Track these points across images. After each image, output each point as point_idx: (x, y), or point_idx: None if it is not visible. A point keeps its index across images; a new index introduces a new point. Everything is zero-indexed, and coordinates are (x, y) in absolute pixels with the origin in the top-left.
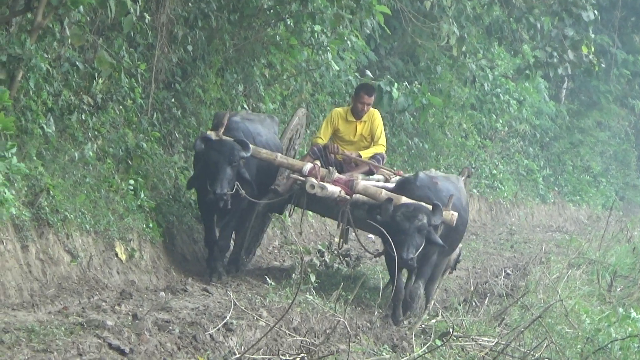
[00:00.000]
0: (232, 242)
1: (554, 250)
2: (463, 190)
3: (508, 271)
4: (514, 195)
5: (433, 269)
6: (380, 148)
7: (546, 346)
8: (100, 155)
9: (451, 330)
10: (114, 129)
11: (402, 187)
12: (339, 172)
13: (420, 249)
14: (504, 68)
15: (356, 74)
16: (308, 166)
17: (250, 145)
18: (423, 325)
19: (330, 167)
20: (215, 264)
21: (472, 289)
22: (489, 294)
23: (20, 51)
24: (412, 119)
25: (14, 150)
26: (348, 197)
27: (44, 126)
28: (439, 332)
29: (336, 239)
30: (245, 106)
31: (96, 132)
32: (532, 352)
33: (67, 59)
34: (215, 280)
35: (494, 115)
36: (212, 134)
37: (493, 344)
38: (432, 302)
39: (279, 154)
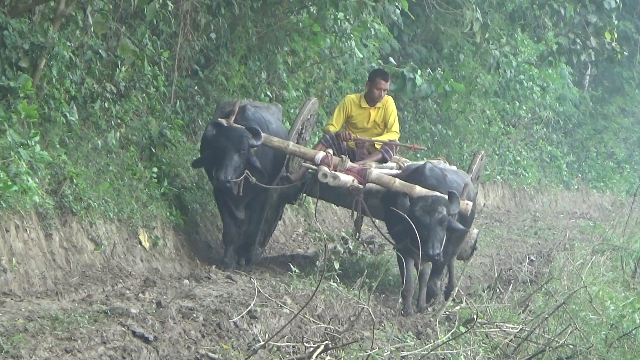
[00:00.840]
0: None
1: (578, 236)
2: (471, 185)
3: (532, 258)
4: (537, 181)
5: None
6: (393, 135)
7: (570, 332)
8: (123, 143)
9: (475, 317)
10: (137, 117)
11: (413, 177)
12: (352, 160)
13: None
14: (527, 55)
15: (379, 61)
16: (320, 155)
17: (263, 134)
18: (447, 312)
19: (343, 156)
20: (226, 254)
21: (496, 275)
22: (513, 281)
23: (43, 39)
24: (435, 105)
25: (37, 138)
26: (361, 186)
27: (67, 114)
28: (463, 319)
29: (357, 227)
30: (269, 93)
31: (119, 120)
32: (556, 339)
33: (90, 47)
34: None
35: (517, 102)
36: (224, 121)
37: (517, 330)
38: (441, 295)
39: (291, 142)
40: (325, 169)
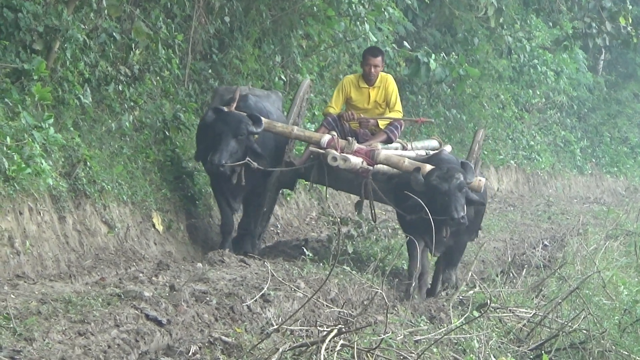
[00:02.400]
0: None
1: (591, 221)
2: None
3: (545, 242)
4: (551, 166)
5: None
6: (396, 114)
7: (584, 317)
8: (137, 126)
9: (489, 302)
10: (151, 100)
11: (430, 161)
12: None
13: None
14: (542, 39)
15: (394, 45)
16: (326, 138)
17: (264, 120)
18: (461, 297)
19: (350, 138)
20: (223, 245)
21: (509, 260)
22: (526, 266)
23: (57, 22)
24: (449, 90)
25: (51, 121)
26: (370, 167)
27: (81, 97)
28: (477, 304)
29: (371, 210)
30: (283, 77)
31: (133, 103)
32: (569, 324)
33: (104, 29)
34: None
35: (531, 87)
36: (225, 108)
37: (531, 315)
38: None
39: (295, 127)
40: (334, 152)
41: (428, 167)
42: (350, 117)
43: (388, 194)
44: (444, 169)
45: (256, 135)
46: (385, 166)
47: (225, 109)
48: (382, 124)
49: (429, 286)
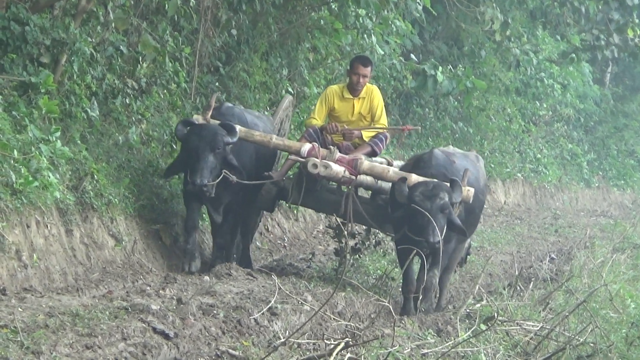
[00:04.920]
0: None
1: (598, 234)
2: (482, 170)
3: (552, 255)
4: (558, 179)
5: (449, 258)
6: (380, 126)
7: (591, 331)
8: (144, 139)
9: (496, 315)
10: (158, 113)
11: (416, 166)
12: None
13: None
14: (548, 52)
15: (401, 57)
16: (307, 147)
17: (240, 128)
18: (468, 310)
19: (331, 147)
20: (214, 262)
21: (516, 273)
22: (533, 279)
23: (65, 35)
24: (456, 103)
25: (58, 134)
26: (353, 177)
27: (88, 110)
28: (484, 317)
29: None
30: (290, 90)
31: (140, 116)
32: (576, 337)
33: (111, 42)
34: (191, 269)
35: (537, 100)
36: (198, 118)
37: (538, 328)
38: (446, 293)
39: (274, 136)
40: (315, 159)
41: (414, 178)
42: (333, 129)
43: (371, 215)
44: (429, 186)
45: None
46: (368, 178)
47: (200, 119)
48: (366, 136)
49: (434, 304)
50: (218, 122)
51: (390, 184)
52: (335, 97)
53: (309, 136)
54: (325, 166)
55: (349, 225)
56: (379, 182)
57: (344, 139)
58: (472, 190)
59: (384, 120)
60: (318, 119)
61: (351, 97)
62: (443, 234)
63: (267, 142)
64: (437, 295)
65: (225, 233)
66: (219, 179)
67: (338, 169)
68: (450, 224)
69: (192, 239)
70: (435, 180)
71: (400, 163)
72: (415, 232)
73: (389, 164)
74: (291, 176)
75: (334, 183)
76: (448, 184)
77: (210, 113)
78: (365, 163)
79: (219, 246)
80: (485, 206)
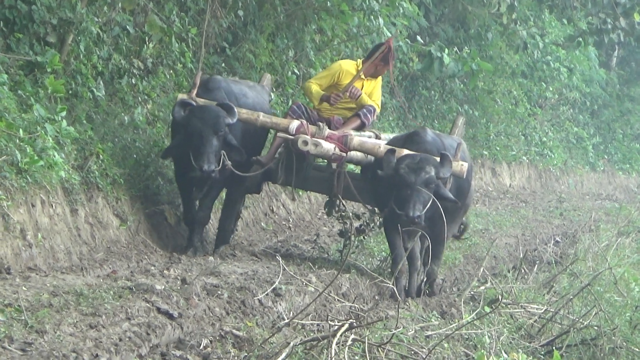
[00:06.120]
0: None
1: (603, 218)
2: (466, 152)
3: (557, 239)
4: (563, 163)
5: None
6: (370, 102)
7: (595, 314)
8: (150, 119)
9: (500, 297)
10: (164, 93)
11: (410, 140)
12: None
13: (427, 212)
14: (555, 36)
15: (407, 39)
16: (295, 124)
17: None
18: (472, 292)
19: (320, 123)
20: (193, 238)
21: (521, 256)
22: (538, 262)
23: (71, 15)
24: (462, 85)
25: (64, 113)
26: (344, 154)
27: (94, 90)
28: (488, 299)
29: (340, 202)
30: (296, 71)
31: (146, 96)
32: (580, 320)
33: (117, 22)
34: (191, 254)
35: (544, 83)
36: (184, 97)
37: (542, 311)
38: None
39: (262, 113)
40: (305, 136)
41: (405, 152)
42: (336, 99)
43: (361, 192)
44: (416, 159)
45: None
46: (359, 153)
47: (189, 98)
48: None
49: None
50: (214, 102)
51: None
52: (347, 76)
53: (293, 112)
54: (316, 144)
55: (340, 202)
56: (369, 157)
57: (349, 97)
58: (465, 164)
59: (376, 98)
60: (319, 86)
61: (363, 77)
62: (425, 209)
63: (254, 119)
64: (429, 284)
65: (207, 208)
66: (222, 162)
67: (328, 147)
68: (441, 197)
69: (195, 233)
70: (424, 154)
71: (388, 136)
72: (398, 205)
73: (377, 137)
74: (277, 156)
75: (321, 160)
76: (437, 158)
77: (195, 92)
78: (356, 139)
79: (200, 221)
80: (490, 189)
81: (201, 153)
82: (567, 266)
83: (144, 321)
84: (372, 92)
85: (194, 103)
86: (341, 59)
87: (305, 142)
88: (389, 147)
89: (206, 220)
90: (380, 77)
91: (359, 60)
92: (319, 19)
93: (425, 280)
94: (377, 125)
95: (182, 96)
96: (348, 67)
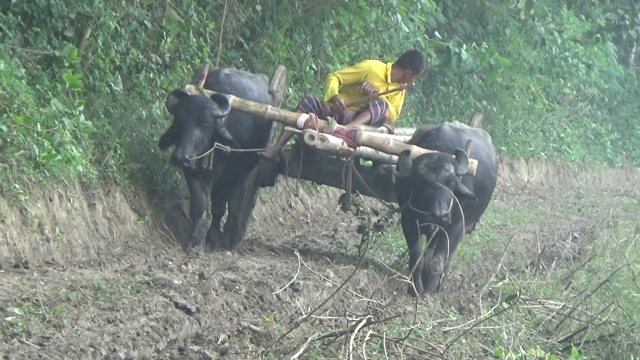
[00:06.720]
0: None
1: (621, 214)
2: (492, 147)
3: (575, 235)
4: (581, 158)
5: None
6: (392, 109)
7: (613, 310)
8: (167, 114)
9: (518, 293)
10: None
11: (422, 139)
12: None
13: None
14: (573, 32)
15: (425, 35)
16: (303, 117)
17: (234, 98)
18: (490, 288)
19: (329, 118)
20: (210, 233)
21: (539, 252)
22: (556, 257)
23: (89, 9)
24: (480, 81)
25: (82, 108)
26: (352, 149)
27: (112, 84)
28: (506, 295)
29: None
30: (314, 66)
31: (164, 91)
32: (598, 316)
33: (135, 17)
34: (195, 250)
35: (562, 79)
36: (191, 88)
37: (560, 307)
38: (446, 274)
39: (269, 106)
40: (312, 130)
41: (415, 150)
42: (341, 106)
43: (373, 184)
44: (434, 158)
45: (223, 118)
46: (368, 149)
47: (193, 89)
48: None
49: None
50: (212, 92)
51: (390, 155)
52: (375, 78)
53: (304, 106)
54: (322, 139)
55: (351, 197)
56: (379, 152)
57: (361, 92)
58: (475, 162)
59: (396, 104)
60: (342, 81)
61: (389, 82)
62: (450, 207)
63: (262, 112)
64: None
65: (220, 202)
66: (207, 152)
67: (335, 142)
68: (459, 194)
69: (198, 226)
70: (441, 152)
71: (401, 131)
72: (420, 206)
73: (390, 132)
74: (289, 147)
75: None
76: (453, 155)
77: (202, 83)
78: (365, 134)
79: (215, 215)
80: (508, 184)
81: (180, 142)
82: (585, 262)
83: (162, 316)
84: (395, 97)
85: (189, 93)
86: (359, 54)
87: (312, 137)
88: (399, 143)
89: (221, 214)
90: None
91: (389, 63)
92: (336, 14)
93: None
94: (394, 120)
95: (189, 86)
96: (377, 70)
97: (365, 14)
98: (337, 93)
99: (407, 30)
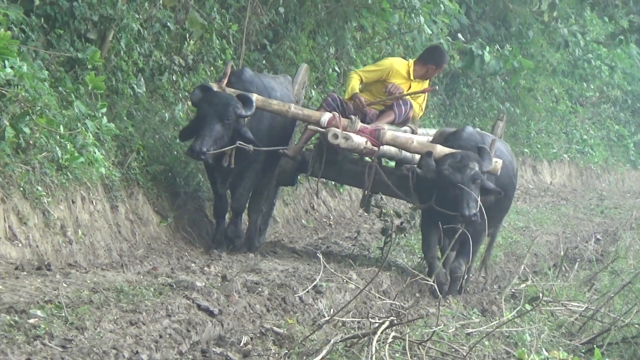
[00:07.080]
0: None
1: None
2: (513, 155)
3: (598, 236)
4: (604, 160)
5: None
6: (415, 107)
7: (636, 312)
8: (190, 116)
9: (541, 295)
10: None
11: (445, 140)
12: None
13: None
14: (596, 34)
15: (448, 37)
16: (327, 116)
17: (258, 97)
18: (513, 290)
19: (352, 117)
20: (227, 230)
21: (562, 253)
22: (578, 259)
23: (112, 11)
24: (503, 83)
25: (104, 110)
26: (376, 148)
27: (135, 86)
28: (529, 297)
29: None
30: (337, 69)
31: (187, 93)
32: (621, 318)
33: (158, 19)
34: (218, 252)
35: (585, 81)
36: (213, 86)
37: (583, 309)
38: (469, 276)
39: (293, 105)
40: (336, 129)
41: (439, 150)
42: (361, 104)
43: (396, 185)
44: (457, 157)
45: (246, 118)
46: (392, 148)
47: (215, 86)
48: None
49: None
50: (235, 91)
51: (413, 155)
52: (397, 75)
53: (327, 105)
54: (346, 138)
55: (373, 197)
56: (403, 152)
57: (386, 93)
58: (499, 161)
59: (420, 101)
60: (364, 79)
61: (411, 78)
62: (478, 206)
63: (285, 111)
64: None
65: (241, 196)
66: (228, 148)
67: (359, 140)
68: (486, 190)
69: (220, 228)
70: (464, 151)
71: (424, 131)
72: (447, 206)
73: (413, 132)
74: (311, 146)
75: (356, 154)
76: (476, 154)
77: (225, 81)
78: (388, 133)
79: (235, 211)
80: (531, 186)
81: (200, 135)
82: (608, 264)
83: (184, 318)
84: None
85: (214, 89)
86: (382, 56)
87: (336, 136)
88: (423, 142)
89: (241, 210)
90: (428, 81)
91: (410, 60)
92: (359, 17)
93: (452, 277)
94: (419, 117)
95: (212, 84)
96: (399, 67)
97: (388, 16)
98: (357, 91)
99: (430, 32)
